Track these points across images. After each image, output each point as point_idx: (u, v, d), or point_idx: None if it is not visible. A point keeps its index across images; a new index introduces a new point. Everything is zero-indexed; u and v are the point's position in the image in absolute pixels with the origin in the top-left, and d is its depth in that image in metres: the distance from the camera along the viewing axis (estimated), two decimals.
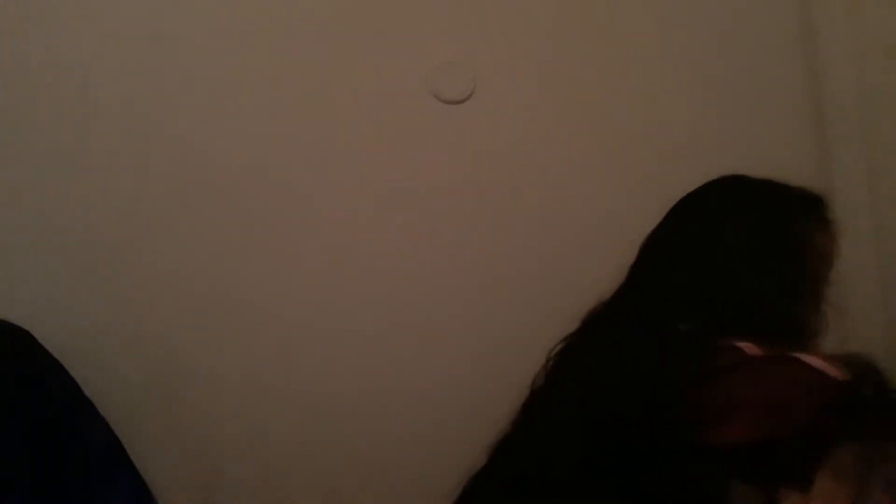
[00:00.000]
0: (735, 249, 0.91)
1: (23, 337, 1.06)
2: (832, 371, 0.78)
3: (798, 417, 0.76)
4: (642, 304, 0.95)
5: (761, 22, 1.35)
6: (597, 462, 0.83)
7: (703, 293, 0.90)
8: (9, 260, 1.14)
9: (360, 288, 1.23)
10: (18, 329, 1.06)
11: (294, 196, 1.22)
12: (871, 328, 1.31)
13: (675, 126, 1.30)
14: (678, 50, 1.32)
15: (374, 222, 1.24)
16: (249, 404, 1.19)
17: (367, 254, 1.24)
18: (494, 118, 1.27)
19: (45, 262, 1.15)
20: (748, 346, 0.82)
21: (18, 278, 1.14)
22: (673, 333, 0.87)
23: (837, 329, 1.32)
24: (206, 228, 1.20)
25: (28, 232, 1.15)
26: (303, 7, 1.24)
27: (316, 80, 1.24)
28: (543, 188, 1.27)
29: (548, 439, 0.90)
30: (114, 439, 1.07)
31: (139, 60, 1.20)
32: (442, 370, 1.22)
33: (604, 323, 0.96)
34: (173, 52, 1.21)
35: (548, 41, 1.30)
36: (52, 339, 1.08)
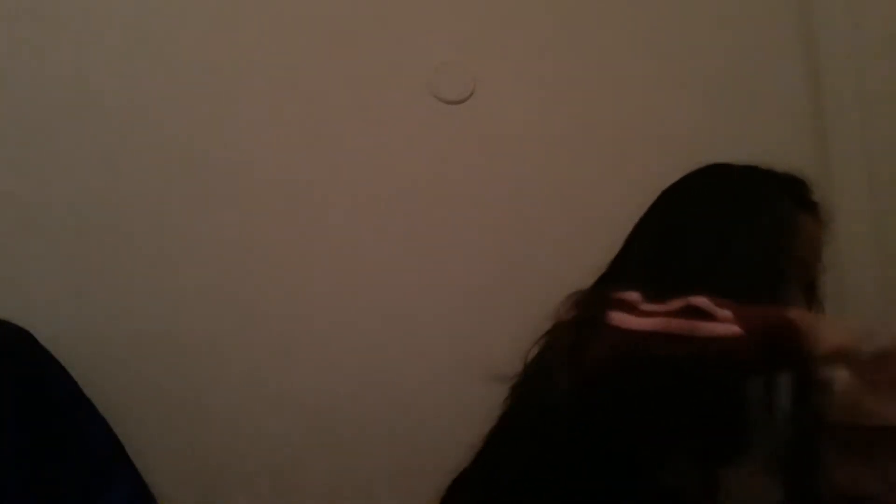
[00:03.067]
0: (706, 233, 0.88)
1: (23, 337, 1.06)
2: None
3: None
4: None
5: (761, 20, 1.35)
6: (550, 462, 0.82)
7: (667, 277, 0.85)
8: (9, 260, 1.14)
9: (360, 287, 1.23)
10: (18, 329, 1.06)
11: (294, 196, 1.22)
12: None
13: (675, 125, 1.30)
14: (678, 48, 1.32)
15: (373, 222, 1.24)
16: (249, 404, 1.19)
17: (366, 253, 1.24)
18: (494, 118, 1.27)
19: (46, 262, 1.15)
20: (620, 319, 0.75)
21: (19, 278, 1.14)
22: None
23: None
24: (206, 228, 1.20)
25: (28, 232, 1.15)
26: (303, 7, 1.24)
27: (316, 81, 1.24)
28: (543, 188, 1.27)
29: (510, 439, 0.90)
30: (114, 439, 1.07)
31: (139, 59, 1.20)
32: (444, 370, 1.22)
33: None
34: (175, 53, 1.21)
35: (548, 41, 1.30)
36: (52, 339, 1.08)
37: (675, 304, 0.71)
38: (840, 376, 0.72)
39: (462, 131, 1.26)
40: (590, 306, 0.77)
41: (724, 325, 0.69)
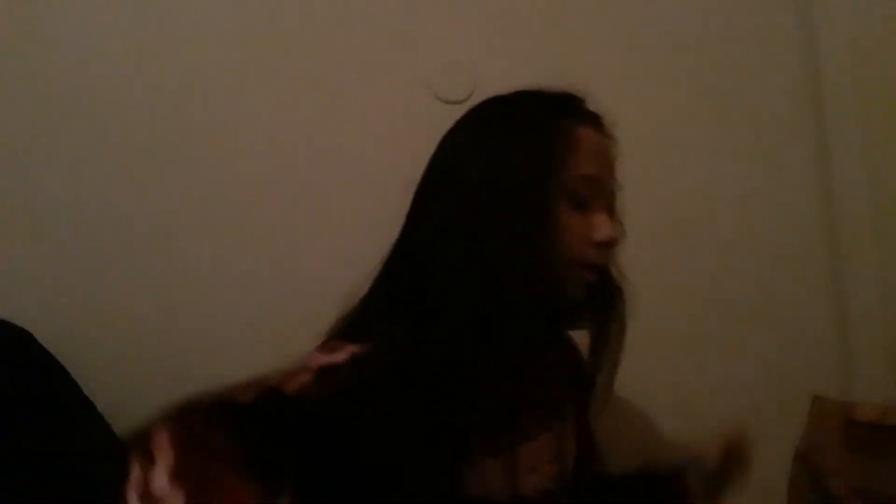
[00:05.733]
0: (471, 184, 0.77)
1: (23, 337, 1.06)
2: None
3: None
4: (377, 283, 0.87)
5: (761, 20, 1.35)
6: None
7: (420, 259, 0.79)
8: (9, 260, 1.14)
9: (360, 288, 1.23)
10: (18, 329, 1.06)
11: (295, 195, 1.23)
12: (872, 328, 1.31)
13: (675, 124, 1.30)
14: (677, 48, 1.32)
15: (374, 222, 1.24)
16: None
17: (367, 253, 1.24)
18: None
19: (46, 262, 1.15)
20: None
21: (18, 278, 1.14)
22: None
23: (838, 329, 1.33)
24: (206, 228, 1.20)
25: (28, 232, 1.15)
26: (304, 8, 1.24)
27: (316, 81, 1.24)
28: None
29: None
30: (114, 439, 1.07)
31: (142, 59, 1.20)
32: None
33: None
34: (178, 51, 1.21)
35: (547, 41, 1.30)
36: (52, 339, 1.08)
37: None
38: None
39: None
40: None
41: None
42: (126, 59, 1.19)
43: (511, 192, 0.75)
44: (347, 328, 0.80)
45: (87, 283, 1.16)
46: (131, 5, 1.20)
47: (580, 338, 0.91)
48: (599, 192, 0.80)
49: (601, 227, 0.79)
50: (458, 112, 1.27)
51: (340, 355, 0.71)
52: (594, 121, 0.84)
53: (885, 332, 1.30)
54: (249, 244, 1.21)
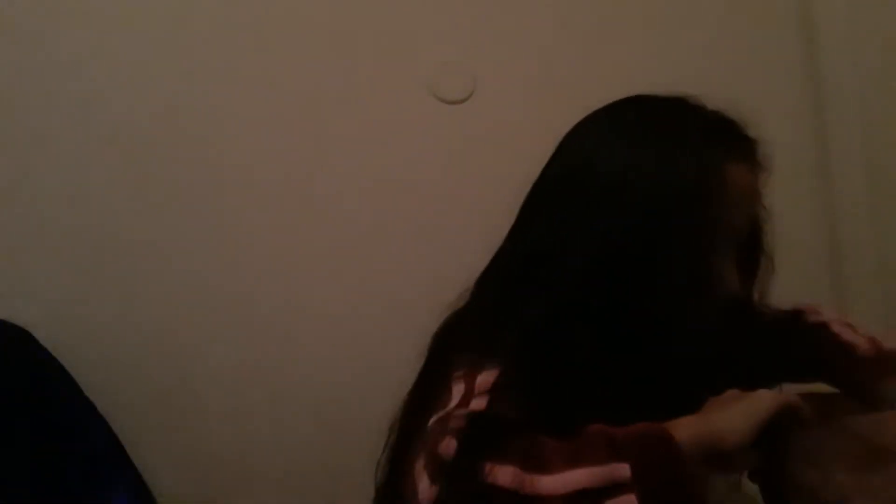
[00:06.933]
0: (608, 184, 0.72)
1: (23, 337, 1.06)
2: None
3: None
4: (491, 271, 0.83)
5: (761, 21, 1.35)
6: None
7: (558, 248, 0.74)
8: (9, 260, 1.14)
9: (360, 286, 1.23)
10: (18, 329, 1.06)
11: (295, 196, 1.23)
12: (871, 328, 1.31)
13: None
14: (677, 48, 1.32)
15: (374, 221, 1.24)
16: (250, 404, 1.19)
17: (366, 252, 1.24)
18: (494, 118, 1.27)
19: (46, 262, 1.15)
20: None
21: (18, 278, 1.14)
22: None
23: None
24: (206, 227, 1.20)
25: (28, 232, 1.15)
26: (304, 7, 1.24)
27: (316, 80, 1.24)
28: None
29: None
30: (114, 439, 1.08)
31: (141, 59, 1.19)
32: None
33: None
34: (176, 51, 1.21)
35: (548, 41, 1.30)
36: (52, 339, 1.08)
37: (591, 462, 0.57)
38: None
39: (462, 131, 1.26)
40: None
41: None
42: (129, 63, 1.19)
43: (677, 236, 0.69)
44: (468, 341, 0.77)
45: (87, 283, 1.16)
46: (133, 10, 1.20)
47: None
48: (736, 241, 0.75)
49: (730, 286, 0.74)
50: (458, 112, 1.28)
51: (492, 375, 0.69)
52: (753, 156, 0.78)
53: (885, 332, 1.30)
54: (249, 245, 1.21)
